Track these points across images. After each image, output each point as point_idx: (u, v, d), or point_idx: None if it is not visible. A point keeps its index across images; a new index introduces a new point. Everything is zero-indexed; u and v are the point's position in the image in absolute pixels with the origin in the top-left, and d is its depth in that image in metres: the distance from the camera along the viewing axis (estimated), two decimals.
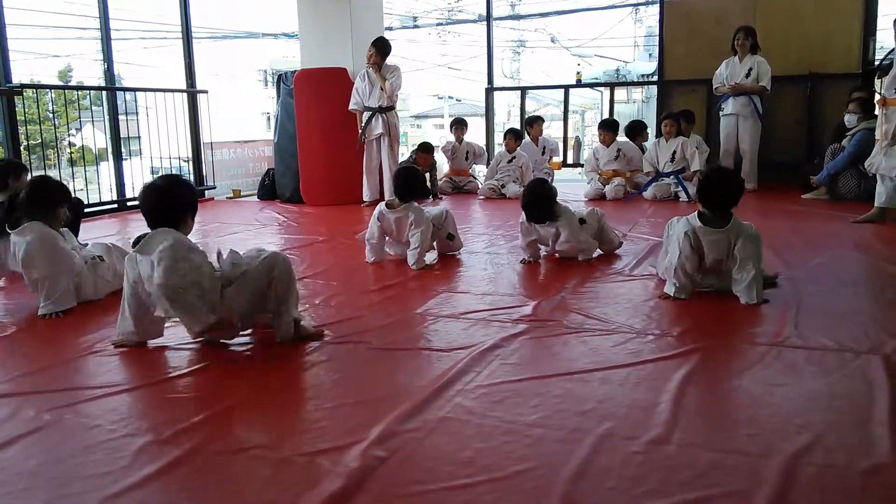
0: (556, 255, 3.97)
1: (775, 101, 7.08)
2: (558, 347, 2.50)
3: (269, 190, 7.56)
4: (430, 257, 4.03)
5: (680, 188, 6.44)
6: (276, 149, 7.54)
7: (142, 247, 2.40)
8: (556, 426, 1.85)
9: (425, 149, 7.31)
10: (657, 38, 8.25)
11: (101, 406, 2.05)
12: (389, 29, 18.23)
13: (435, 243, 4.07)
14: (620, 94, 19.01)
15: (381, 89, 6.42)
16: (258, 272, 2.50)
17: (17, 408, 2.04)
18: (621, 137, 7.26)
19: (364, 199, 6.71)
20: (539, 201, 3.80)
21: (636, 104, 18.87)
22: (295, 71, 7.07)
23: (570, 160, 8.97)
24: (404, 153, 8.54)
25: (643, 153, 7.08)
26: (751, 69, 6.78)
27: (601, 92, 17.67)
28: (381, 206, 3.92)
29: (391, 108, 6.55)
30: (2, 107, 5.70)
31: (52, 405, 2.05)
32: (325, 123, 6.49)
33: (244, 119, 19.00)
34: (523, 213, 3.86)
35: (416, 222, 3.81)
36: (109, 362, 2.45)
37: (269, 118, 15.40)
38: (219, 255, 2.57)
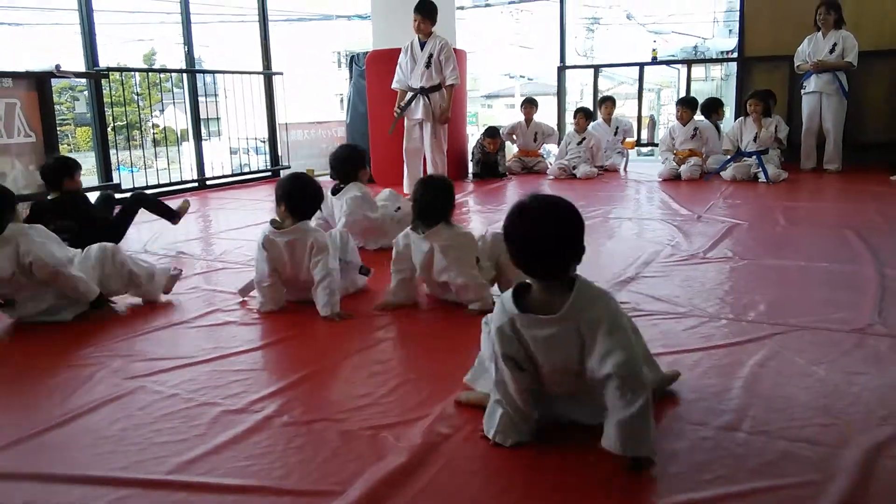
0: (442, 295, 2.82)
1: (864, 77, 6.72)
2: None
3: None
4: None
5: (760, 169, 6.19)
6: (349, 129, 7.65)
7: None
8: None
9: (491, 134, 7.27)
10: (738, 13, 7.92)
11: (178, 376, 2.15)
12: (461, 8, 18.10)
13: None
14: (698, 71, 18.32)
15: (427, 66, 5.69)
16: None
17: (101, 375, 2.15)
18: (698, 116, 7.04)
19: (406, 192, 5.48)
20: (437, 188, 2.75)
21: (714, 82, 18.21)
22: (367, 52, 7.14)
23: (643, 139, 8.78)
24: (473, 134, 8.52)
25: (718, 132, 6.88)
26: (835, 45, 6.45)
27: (678, 70, 17.10)
28: (267, 228, 2.77)
29: (436, 88, 5.77)
30: (90, 90, 5.98)
31: (133, 374, 2.16)
32: (396, 104, 6.52)
33: (318, 100, 19.31)
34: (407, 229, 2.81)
35: (318, 246, 2.70)
36: (186, 335, 2.56)
37: (342, 99, 15.61)
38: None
